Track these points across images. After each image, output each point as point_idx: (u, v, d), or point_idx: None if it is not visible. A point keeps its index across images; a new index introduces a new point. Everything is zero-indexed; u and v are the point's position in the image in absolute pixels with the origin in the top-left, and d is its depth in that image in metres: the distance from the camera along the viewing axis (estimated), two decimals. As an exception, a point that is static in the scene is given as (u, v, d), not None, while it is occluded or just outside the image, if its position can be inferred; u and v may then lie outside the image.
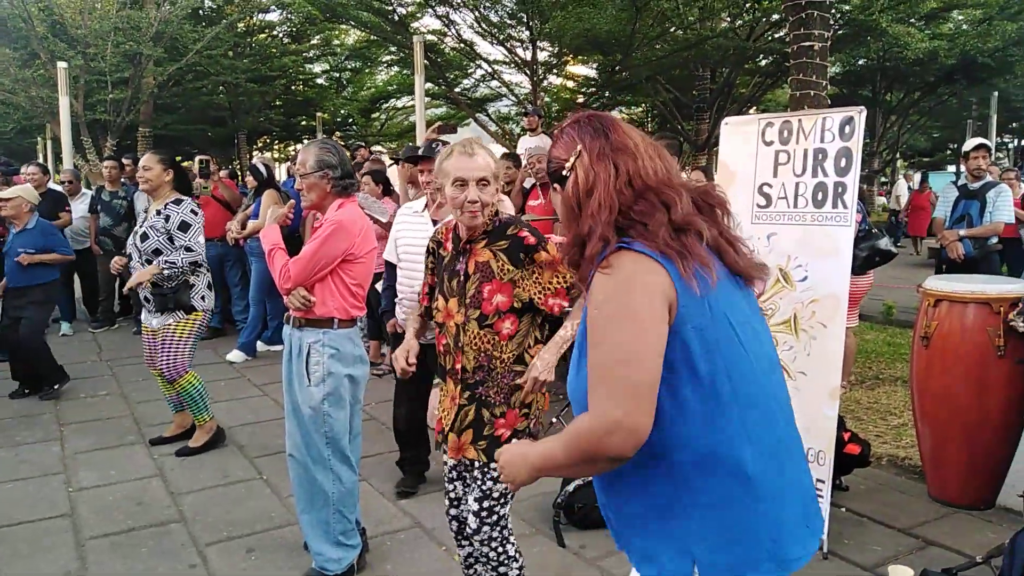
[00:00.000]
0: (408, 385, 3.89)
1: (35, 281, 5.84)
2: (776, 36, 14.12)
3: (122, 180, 8.51)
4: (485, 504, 2.43)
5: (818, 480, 3.23)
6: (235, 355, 6.97)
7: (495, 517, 2.44)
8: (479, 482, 2.44)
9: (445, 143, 3.59)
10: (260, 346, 7.22)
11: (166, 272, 4.37)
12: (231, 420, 5.24)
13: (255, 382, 6.30)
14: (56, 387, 5.93)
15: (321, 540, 3.12)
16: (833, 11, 8.09)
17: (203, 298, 4.58)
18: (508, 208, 5.38)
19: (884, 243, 5.21)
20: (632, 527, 1.49)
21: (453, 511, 2.60)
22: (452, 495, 2.59)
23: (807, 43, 6.72)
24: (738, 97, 16.68)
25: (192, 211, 4.47)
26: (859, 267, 5.47)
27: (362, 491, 3.40)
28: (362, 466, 3.42)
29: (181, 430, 4.83)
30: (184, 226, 4.41)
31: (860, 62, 17.76)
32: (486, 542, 2.46)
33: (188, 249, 4.40)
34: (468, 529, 2.49)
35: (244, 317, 7.45)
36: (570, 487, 3.55)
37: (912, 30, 14.48)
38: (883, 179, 26.14)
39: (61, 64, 11.17)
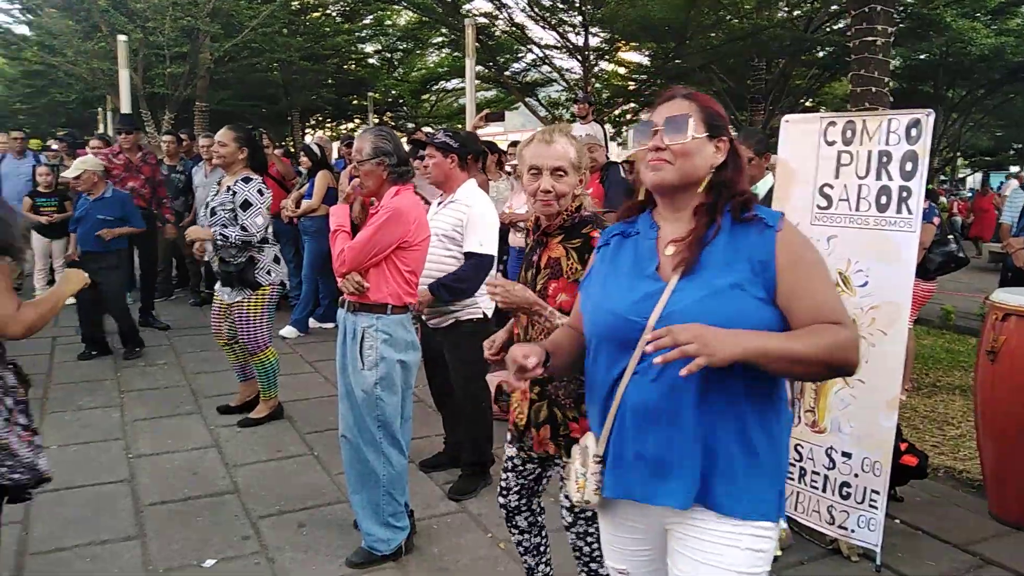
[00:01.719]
0: (430, 363, 4.04)
1: (111, 247, 6.12)
2: (835, 28, 13.79)
3: (180, 154, 8.70)
4: None
5: (873, 491, 3.18)
6: (288, 331, 7.13)
7: (590, 512, 2.43)
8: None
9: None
10: (312, 323, 7.37)
11: (218, 243, 4.50)
12: (283, 395, 5.36)
13: (307, 359, 6.44)
14: (139, 349, 6.33)
15: (371, 520, 3.20)
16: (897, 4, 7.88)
17: (269, 272, 4.69)
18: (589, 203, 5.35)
19: (956, 249, 5.20)
20: (755, 463, 1.58)
21: (502, 499, 2.63)
22: (504, 484, 2.62)
23: (869, 38, 6.55)
24: (794, 89, 16.35)
25: (259, 191, 4.57)
26: (934, 271, 5.40)
27: (410, 474, 3.46)
28: (410, 449, 3.49)
29: (246, 399, 5.02)
30: (246, 205, 4.52)
31: (922, 57, 17.24)
32: (581, 536, 2.48)
33: (243, 228, 4.50)
34: (564, 522, 2.51)
35: (297, 294, 7.59)
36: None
37: (978, 25, 14.01)
38: (943, 178, 25.42)
39: (121, 37, 11.41)
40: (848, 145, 3.29)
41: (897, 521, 3.65)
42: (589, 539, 2.48)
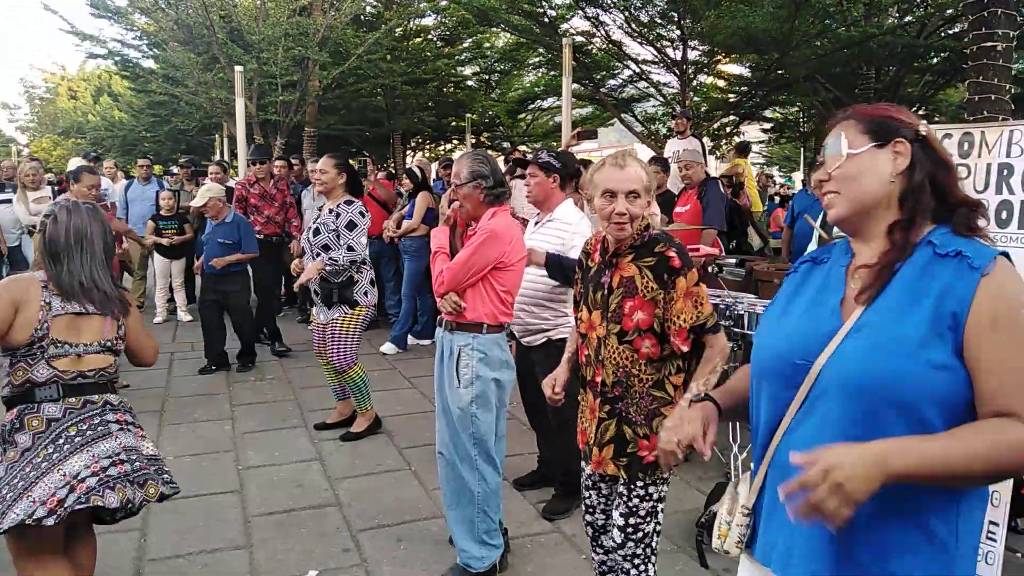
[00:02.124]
0: (523, 381, 4.02)
1: (230, 270, 6.51)
2: (950, 33, 13.10)
3: (290, 178, 9.11)
4: (631, 521, 2.44)
5: (991, 522, 2.99)
6: (388, 347, 7.33)
7: (640, 534, 2.44)
8: (624, 498, 2.44)
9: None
10: (411, 340, 7.54)
11: (328, 268, 4.67)
12: (383, 410, 5.51)
13: (405, 374, 6.59)
14: (251, 364, 6.76)
15: (466, 537, 3.24)
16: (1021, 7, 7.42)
17: (366, 293, 4.86)
18: (655, 212, 5.32)
19: None
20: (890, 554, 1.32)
21: (588, 517, 2.63)
22: (588, 502, 2.62)
23: (988, 43, 6.21)
24: (906, 97, 15.61)
25: (360, 212, 4.78)
26: None
27: (504, 492, 3.48)
28: (505, 466, 3.51)
29: (342, 417, 5.19)
30: (351, 225, 4.72)
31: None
32: (628, 558, 2.46)
33: (350, 248, 4.69)
34: (612, 542, 2.50)
35: (396, 311, 7.79)
36: (715, 507, 3.48)
37: (1114, 22, 13.02)
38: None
39: (238, 68, 12.08)
40: (965, 158, 3.12)
41: (1019, 555, 3.40)
42: (636, 560, 2.45)
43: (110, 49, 16.25)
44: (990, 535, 3.00)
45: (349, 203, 4.81)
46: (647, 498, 2.42)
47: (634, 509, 2.43)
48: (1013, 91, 6.81)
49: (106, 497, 2.44)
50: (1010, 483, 2.97)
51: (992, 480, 1.25)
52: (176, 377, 6.47)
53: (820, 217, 4.58)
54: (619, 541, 2.46)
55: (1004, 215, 2.99)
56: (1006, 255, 1.32)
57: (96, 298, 2.60)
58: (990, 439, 1.20)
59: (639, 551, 2.44)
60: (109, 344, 2.64)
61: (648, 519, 2.44)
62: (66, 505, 2.38)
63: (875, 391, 1.30)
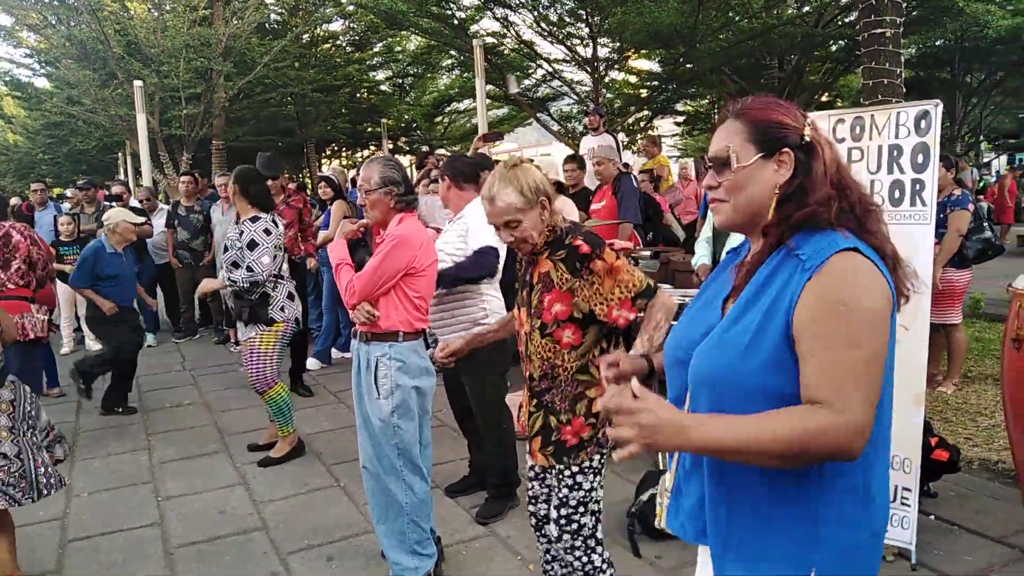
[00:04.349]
0: (451, 385, 4.11)
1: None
2: (847, 20, 13.65)
3: (196, 195, 8.81)
4: (563, 512, 2.45)
5: (904, 488, 3.11)
6: (311, 363, 7.14)
7: (575, 525, 2.45)
8: (555, 489, 2.47)
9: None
10: (335, 353, 7.39)
11: (229, 289, 4.55)
12: (308, 427, 5.38)
13: (330, 389, 6.45)
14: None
15: (397, 550, 3.17)
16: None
17: (282, 309, 4.70)
18: (571, 211, 5.35)
19: (993, 236, 5.16)
20: (753, 525, 1.42)
21: (531, 507, 2.65)
22: (531, 493, 2.65)
23: (878, 30, 6.47)
24: (808, 84, 16.20)
25: (265, 230, 4.58)
26: (972, 260, 5.34)
27: (435, 500, 3.43)
28: (434, 474, 3.46)
29: (274, 439, 4.96)
30: (252, 244, 4.53)
31: (938, 43, 17.01)
32: (568, 551, 2.47)
33: (249, 269, 4.51)
34: (551, 536, 2.53)
35: (318, 325, 7.62)
36: (644, 496, 3.52)
37: (992, 7, 13.80)
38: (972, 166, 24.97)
39: (137, 83, 11.66)
40: (858, 141, 3.24)
41: (931, 517, 3.56)
42: (577, 552, 2.47)
43: (-1, 68, 15.46)
44: (904, 501, 3.12)
45: (254, 220, 4.62)
46: (576, 488, 2.42)
47: (564, 500, 2.44)
48: (906, 75, 7.12)
49: None
50: (919, 450, 3.09)
51: (791, 462, 1.30)
52: (86, 411, 6.16)
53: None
54: (555, 534, 2.48)
55: (897, 194, 3.11)
56: (856, 249, 1.35)
57: None
58: (791, 422, 1.26)
59: (577, 543, 2.45)
60: None
61: (580, 509, 2.44)
62: None
63: (716, 385, 1.40)
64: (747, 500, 1.41)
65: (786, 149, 1.44)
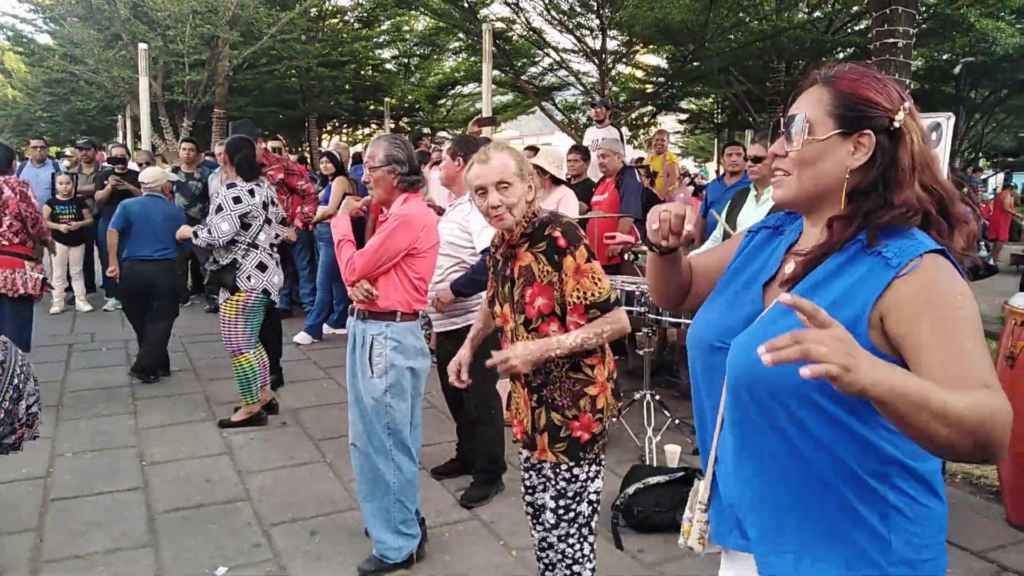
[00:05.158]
0: (443, 369, 4.03)
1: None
2: (856, 29, 13.65)
3: (197, 162, 8.75)
4: (561, 503, 2.45)
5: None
6: (301, 337, 7.14)
7: (572, 514, 2.45)
8: (552, 481, 2.46)
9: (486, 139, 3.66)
10: (326, 329, 7.37)
11: (195, 241, 4.72)
12: (297, 402, 5.37)
13: (321, 364, 6.44)
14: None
15: (382, 528, 3.18)
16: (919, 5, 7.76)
17: (249, 278, 4.72)
18: (572, 201, 5.33)
19: (987, 256, 5.15)
20: (817, 526, 1.30)
21: (528, 498, 2.64)
22: (528, 483, 2.63)
23: (890, 40, 6.47)
24: (814, 90, 16.19)
25: (235, 198, 4.65)
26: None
27: (421, 481, 3.44)
28: (421, 455, 3.46)
29: (250, 413, 4.95)
30: (219, 208, 4.65)
31: (944, 57, 17.03)
32: (563, 538, 2.48)
33: (208, 231, 4.60)
34: (547, 523, 2.51)
35: (311, 300, 7.60)
36: (630, 489, 3.53)
37: (1002, 24, 13.81)
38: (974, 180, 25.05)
39: (142, 46, 11.54)
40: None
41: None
42: (571, 540, 2.47)
43: (0, 23, 15.29)
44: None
45: (231, 186, 4.73)
46: (573, 480, 2.42)
47: (562, 491, 2.44)
48: (913, 86, 7.12)
49: None
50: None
51: (971, 443, 1.08)
52: (74, 371, 6.14)
53: (724, 211, 4.69)
54: (553, 522, 2.48)
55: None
56: (943, 252, 1.24)
57: None
58: (987, 398, 1.10)
59: (572, 530, 2.46)
60: None
61: (577, 499, 2.44)
62: None
63: (758, 380, 1.27)
64: (814, 500, 1.29)
65: (868, 131, 1.29)
